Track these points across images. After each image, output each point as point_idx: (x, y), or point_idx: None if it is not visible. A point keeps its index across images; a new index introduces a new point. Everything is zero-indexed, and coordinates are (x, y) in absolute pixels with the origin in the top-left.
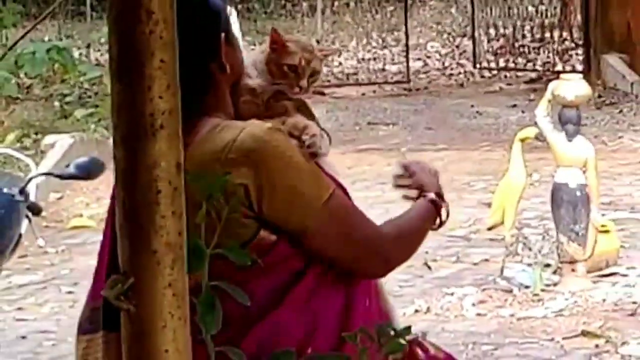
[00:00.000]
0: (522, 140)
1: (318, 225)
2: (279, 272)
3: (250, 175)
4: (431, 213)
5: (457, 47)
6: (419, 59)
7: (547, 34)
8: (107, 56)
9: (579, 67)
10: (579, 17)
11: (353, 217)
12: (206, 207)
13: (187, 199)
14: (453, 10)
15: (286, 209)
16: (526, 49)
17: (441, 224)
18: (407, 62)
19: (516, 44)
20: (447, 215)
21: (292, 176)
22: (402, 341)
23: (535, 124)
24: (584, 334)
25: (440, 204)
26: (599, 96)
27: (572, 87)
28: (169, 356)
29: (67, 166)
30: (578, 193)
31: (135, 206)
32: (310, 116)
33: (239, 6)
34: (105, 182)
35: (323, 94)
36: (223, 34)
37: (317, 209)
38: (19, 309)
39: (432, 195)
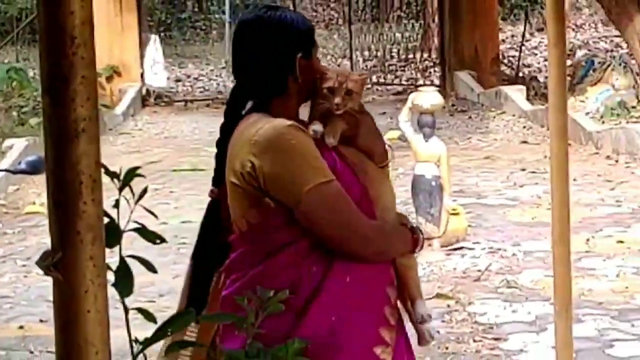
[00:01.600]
0: (390, 141)
1: (307, 205)
2: (267, 241)
3: (258, 156)
4: (407, 235)
5: (339, 66)
6: None
7: (411, 55)
8: None
9: (437, 82)
10: (436, 41)
11: (341, 205)
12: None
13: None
14: (335, 36)
15: (280, 187)
16: (394, 68)
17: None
18: None
19: (386, 64)
20: (422, 243)
21: (290, 162)
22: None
23: (399, 127)
24: (438, 296)
25: (418, 234)
26: (452, 105)
27: (428, 97)
28: (91, 316)
29: (19, 163)
30: (433, 183)
31: (62, 195)
32: (353, 126)
33: (162, 34)
34: None
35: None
36: (300, 53)
37: (308, 191)
38: None
39: (415, 226)
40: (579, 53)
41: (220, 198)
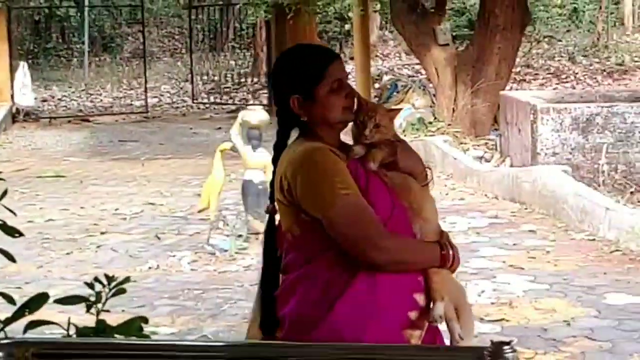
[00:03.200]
0: (222, 151)
1: (329, 217)
2: (306, 249)
3: (292, 175)
4: (435, 251)
5: (182, 88)
6: (155, 97)
7: (243, 79)
8: None
9: (265, 102)
10: (264, 67)
11: (359, 217)
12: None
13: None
14: (179, 63)
15: (309, 202)
16: (229, 90)
17: (452, 264)
18: (146, 99)
19: (222, 86)
20: (454, 259)
21: (315, 178)
22: (124, 287)
23: (231, 140)
24: None
25: (448, 250)
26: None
27: (255, 114)
28: None
29: None
30: (260, 187)
31: None
32: (391, 153)
33: (30, 60)
34: None
35: (88, 120)
36: (296, 95)
37: (330, 205)
38: None
39: (446, 242)
40: (385, 78)
41: (274, 212)
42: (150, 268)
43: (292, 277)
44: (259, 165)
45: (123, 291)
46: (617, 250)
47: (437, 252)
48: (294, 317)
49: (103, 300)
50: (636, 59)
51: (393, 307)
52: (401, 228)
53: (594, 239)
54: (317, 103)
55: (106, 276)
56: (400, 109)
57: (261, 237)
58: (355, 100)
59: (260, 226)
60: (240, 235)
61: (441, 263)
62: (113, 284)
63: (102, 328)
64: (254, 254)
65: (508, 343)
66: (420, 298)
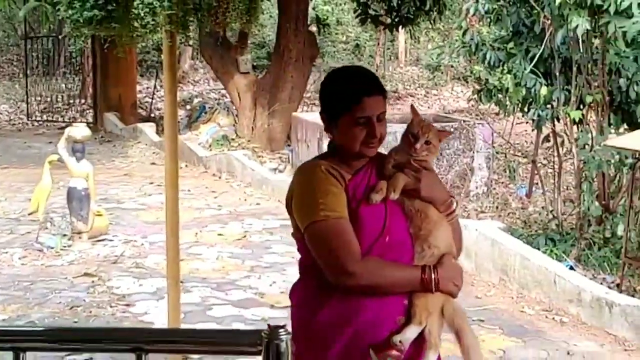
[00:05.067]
0: (50, 162)
1: (307, 235)
2: (301, 256)
3: (293, 185)
4: (414, 275)
5: (18, 107)
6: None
7: (72, 100)
8: None
9: (91, 120)
10: (90, 90)
11: (330, 242)
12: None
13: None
14: (17, 86)
15: (296, 214)
16: (60, 109)
17: (437, 288)
18: None
19: (54, 106)
20: (437, 283)
21: (302, 197)
22: None
23: (58, 152)
24: (86, 274)
25: (430, 275)
26: (102, 137)
27: (79, 130)
28: None
29: None
30: (83, 193)
31: None
32: (414, 181)
33: None
34: None
35: None
36: (325, 115)
37: (307, 227)
38: None
39: (430, 271)
40: (196, 100)
41: None
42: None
43: (295, 281)
44: (82, 174)
45: None
46: None
47: (416, 276)
48: (293, 318)
49: None
50: (407, 87)
51: (371, 327)
52: (393, 252)
53: None
54: (338, 129)
55: None
56: (451, 132)
57: (84, 235)
58: (411, 113)
59: (83, 227)
60: (65, 235)
61: (422, 287)
62: None
63: None
64: (77, 251)
65: (283, 326)
66: (402, 321)
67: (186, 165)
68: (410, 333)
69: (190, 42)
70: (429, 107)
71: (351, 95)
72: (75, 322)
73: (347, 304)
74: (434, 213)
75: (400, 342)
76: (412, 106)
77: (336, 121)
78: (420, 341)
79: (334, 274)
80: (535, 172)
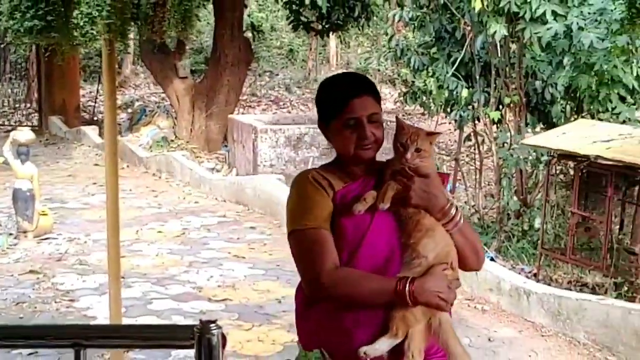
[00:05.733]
0: None
1: (289, 242)
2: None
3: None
4: (387, 286)
5: None
6: None
7: (18, 105)
8: None
9: (36, 123)
10: (36, 95)
11: (304, 253)
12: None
13: None
14: None
15: (286, 219)
16: (6, 113)
17: (414, 301)
18: None
19: (1, 110)
20: (411, 295)
21: (289, 203)
22: None
23: (3, 155)
24: (31, 271)
25: (404, 287)
26: (47, 139)
27: (23, 134)
28: None
29: None
30: (28, 193)
31: None
32: (404, 190)
33: None
34: None
35: None
36: (322, 121)
37: (288, 235)
38: None
39: (405, 282)
40: (137, 104)
41: None
42: None
43: (298, 300)
44: (27, 176)
45: None
46: None
47: (389, 288)
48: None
49: None
50: None
51: (346, 337)
52: (376, 263)
53: None
54: (332, 135)
55: None
56: (440, 133)
57: (29, 234)
58: (397, 124)
59: (28, 226)
60: (11, 234)
61: (398, 299)
62: None
63: None
64: (23, 249)
65: (214, 321)
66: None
67: (127, 166)
68: (380, 345)
69: (130, 50)
70: None
71: (338, 99)
72: (21, 317)
73: (326, 313)
74: (428, 220)
75: (365, 353)
76: (397, 117)
77: (329, 127)
78: (400, 354)
79: (306, 283)
80: (458, 169)
